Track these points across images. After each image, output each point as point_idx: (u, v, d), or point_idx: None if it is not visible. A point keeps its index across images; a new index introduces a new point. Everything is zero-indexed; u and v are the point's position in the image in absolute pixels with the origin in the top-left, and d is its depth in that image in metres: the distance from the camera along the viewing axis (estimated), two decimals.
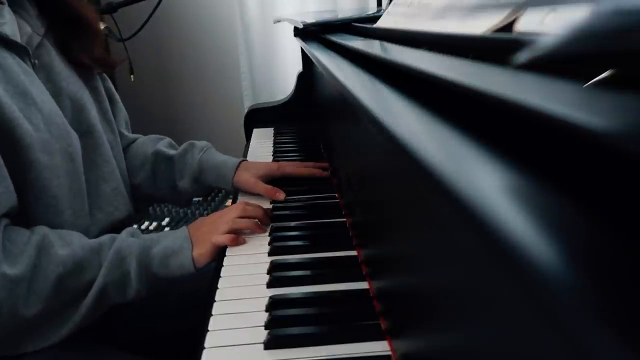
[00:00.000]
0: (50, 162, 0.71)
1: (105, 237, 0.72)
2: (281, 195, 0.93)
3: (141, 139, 1.03)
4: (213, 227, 0.78)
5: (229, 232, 0.77)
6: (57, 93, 0.77)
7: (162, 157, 0.99)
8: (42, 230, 0.68)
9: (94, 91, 0.87)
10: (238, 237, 0.78)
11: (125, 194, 0.89)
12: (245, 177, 0.96)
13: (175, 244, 0.74)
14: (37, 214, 0.71)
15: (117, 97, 0.98)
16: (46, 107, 0.72)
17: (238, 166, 0.97)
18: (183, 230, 0.77)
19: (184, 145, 1.00)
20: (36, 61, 0.76)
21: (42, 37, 0.78)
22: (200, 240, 0.75)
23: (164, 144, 1.01)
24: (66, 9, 0.83)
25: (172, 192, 1.00)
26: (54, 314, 0.67)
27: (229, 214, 0.81)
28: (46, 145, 0.70)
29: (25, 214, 0.70)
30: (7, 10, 0.73)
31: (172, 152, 0.99)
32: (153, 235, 0.76)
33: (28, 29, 0.76)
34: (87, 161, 0.80)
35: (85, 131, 0.80)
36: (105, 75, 0.94)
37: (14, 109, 0.67)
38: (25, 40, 0.74)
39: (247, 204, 0.84)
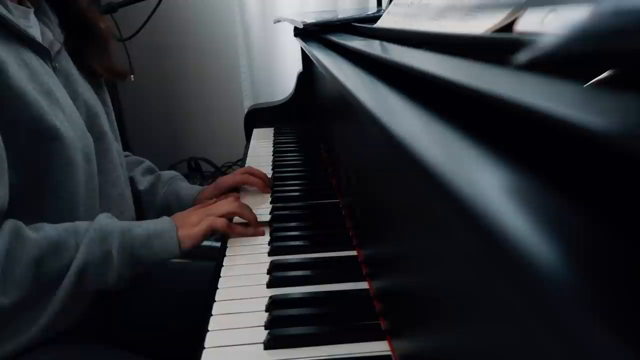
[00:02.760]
0: (72, 158, 0.72)
1: (79, 222, 0.71)
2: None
3: (126, 159, 1.02)
4: (204, 212, 0.80)
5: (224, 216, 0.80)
6: (74, 97, 0.79)
7: (133, 188, 0.98)
8: (11, 220, 0.66)
9: (103, 102, 0.90)
10: (232, 223, 0.81)
11: (129, 200, 0.90)
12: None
13: (157, 226, 0.75)
14: (52, 209, 0.71)
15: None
16: (67, 108, 0.74)
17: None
18: (165, 218, 0.77)
19: (151, 178, 1.01)
20: (57, 65, 0.78)
21: (62, 44, 0.81)
22: (186, 223, 0.76)
23: (140, 171, 1.02)
24: (84, 20, 0.87)
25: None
26: (32, 301, 0.65)
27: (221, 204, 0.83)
28: (70, 142, 0.71)
29: (40, 209, 0.70)
30: (32, 15, 0.77)
31: (141, 186, 0.99)
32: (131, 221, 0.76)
33: (50, 36, 0.79)
34: (98, 165, 0.81)
35: (97, 137, 0.82)
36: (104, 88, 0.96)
37: (42, 105, 0.69)
38: (47, 45, 0.77)
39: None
